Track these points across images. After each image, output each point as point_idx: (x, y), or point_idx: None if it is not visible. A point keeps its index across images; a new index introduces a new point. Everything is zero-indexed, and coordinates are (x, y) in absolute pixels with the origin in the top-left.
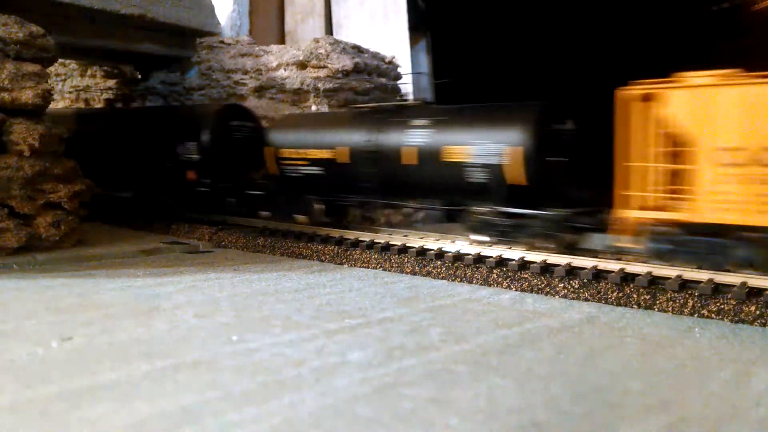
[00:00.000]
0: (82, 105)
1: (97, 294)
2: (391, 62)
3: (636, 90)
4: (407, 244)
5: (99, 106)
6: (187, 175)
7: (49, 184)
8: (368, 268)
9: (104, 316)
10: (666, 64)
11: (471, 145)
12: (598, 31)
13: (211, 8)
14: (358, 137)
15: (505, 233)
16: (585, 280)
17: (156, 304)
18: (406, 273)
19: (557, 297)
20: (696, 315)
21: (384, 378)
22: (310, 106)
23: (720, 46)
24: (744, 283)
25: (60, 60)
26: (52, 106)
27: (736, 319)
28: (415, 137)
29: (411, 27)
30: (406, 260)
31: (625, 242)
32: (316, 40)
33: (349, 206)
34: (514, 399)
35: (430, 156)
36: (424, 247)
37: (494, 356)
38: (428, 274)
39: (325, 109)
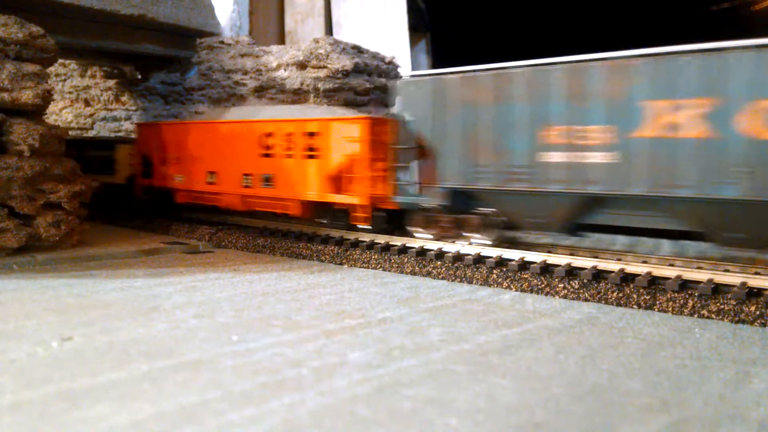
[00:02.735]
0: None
1: (97, 294)
2: (391, 62)
3: None
4: (407, 245)
5: None
6: None
7: (49, 184)
8: (368, 268)
9: (104, 316)
10: None
11: None
12: (597, 30)
13: (211, 9)
14: None
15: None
16: (585, 281)
17: (156, 305)
18: (406, 273)
19: (557, 297)
20: (696, 315)
21: (384, 378)
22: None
23: None
24: (744, 284)
25: (60, 60)
26: None
27: (736, 319)
28: None
29: (411, 27)
30: (406, 260)
31: None
32: (316, 41)
33: None
34: (514, 399)
35: None
36: (424, 247)
37: (494, 356)
38: (428, 274)
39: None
